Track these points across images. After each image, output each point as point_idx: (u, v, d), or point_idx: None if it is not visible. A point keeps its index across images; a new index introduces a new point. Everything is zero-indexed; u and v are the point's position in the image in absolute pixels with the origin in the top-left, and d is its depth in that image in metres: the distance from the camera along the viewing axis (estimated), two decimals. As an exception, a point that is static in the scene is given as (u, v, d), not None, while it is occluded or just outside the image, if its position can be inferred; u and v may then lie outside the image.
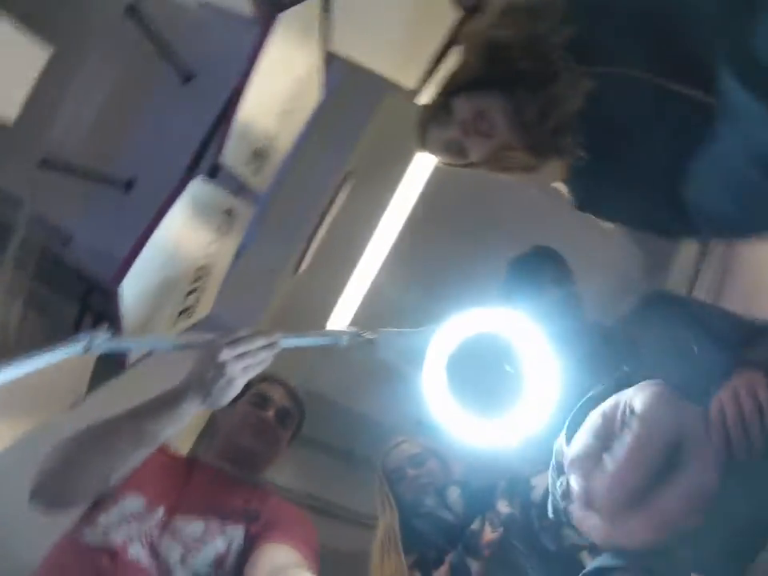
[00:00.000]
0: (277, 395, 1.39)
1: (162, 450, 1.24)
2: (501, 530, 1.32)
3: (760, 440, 0.75)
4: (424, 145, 1.16)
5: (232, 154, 1.09)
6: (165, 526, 1.10)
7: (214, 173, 1.59)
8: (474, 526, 1.35)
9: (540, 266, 1.59)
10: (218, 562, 1.08)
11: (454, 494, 1.43)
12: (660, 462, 0.70)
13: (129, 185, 1.93)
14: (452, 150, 1.10)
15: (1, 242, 1.78)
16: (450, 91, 1.09)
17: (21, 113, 1.31)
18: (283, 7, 1.06)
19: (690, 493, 0.69)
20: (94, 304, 2.01)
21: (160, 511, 1.13)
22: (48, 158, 1.69)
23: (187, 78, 1.99)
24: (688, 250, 2.29)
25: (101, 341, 0.95)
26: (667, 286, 2.27)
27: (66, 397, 1.34)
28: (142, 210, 1.81)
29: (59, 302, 2.01)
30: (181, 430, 1.04)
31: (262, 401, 1.37)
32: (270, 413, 1.36)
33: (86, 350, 0.91)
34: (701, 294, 2.19)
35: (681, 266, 2.27)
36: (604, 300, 1.79)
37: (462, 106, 1.06)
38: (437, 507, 1.42)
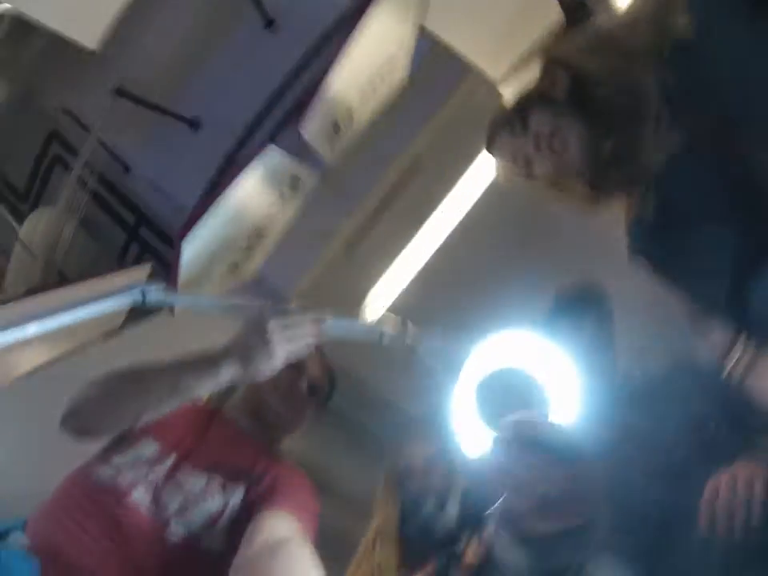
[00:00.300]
0: (313, 365, 1.39)
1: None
2: (484, 550, 1.35)
3: (740, 528, 0.78)
4: (491, 148, 1.13)
5: (313, 127, 1.08)
6: (171, 475, 1.13)
7: (280, 129, 1.57)
8: (462, 539, 1.37)
9: (584, 305, 1.56)
10: (213, 520, 1.11)
11: (452, 507, 1.44)
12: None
13: (195, 124, 1.93)
14: (518, 160, 1.08)
15: (66, 161, 1.82)
16: (529, 102, 1.05)
17: (101, 43, 1.30)
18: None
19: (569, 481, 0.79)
20: (142, 235, 2.03)
21: (170, 460, 1.15)
22: (122, 87, 1.69)
23: (269, 22, 1.95)
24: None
25: (154, 293, 0.97)
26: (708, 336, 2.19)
27: (101, 324, 1.36)
28: (204, 151, 1.82)
29: (109, 228, 2.04)
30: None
31: (299, 368, 1.36)
32: (304, 382, 1.36)
33: (141, 302, 0.93)
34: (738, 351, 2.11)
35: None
36: (641, 340, 1.74)
37: (540, 120, 1.03)
38: (433, 514, 1.43)
